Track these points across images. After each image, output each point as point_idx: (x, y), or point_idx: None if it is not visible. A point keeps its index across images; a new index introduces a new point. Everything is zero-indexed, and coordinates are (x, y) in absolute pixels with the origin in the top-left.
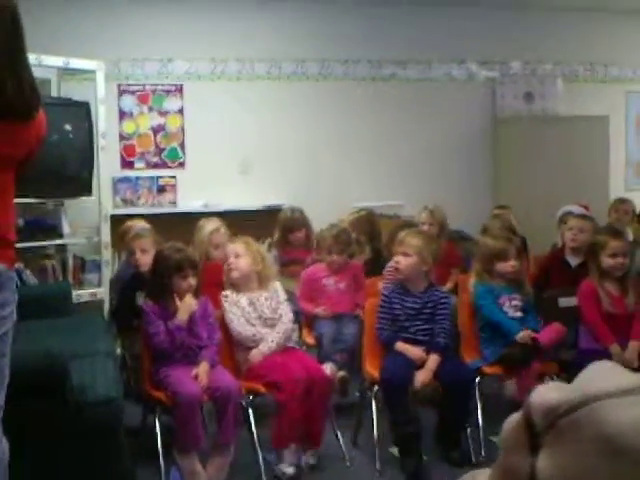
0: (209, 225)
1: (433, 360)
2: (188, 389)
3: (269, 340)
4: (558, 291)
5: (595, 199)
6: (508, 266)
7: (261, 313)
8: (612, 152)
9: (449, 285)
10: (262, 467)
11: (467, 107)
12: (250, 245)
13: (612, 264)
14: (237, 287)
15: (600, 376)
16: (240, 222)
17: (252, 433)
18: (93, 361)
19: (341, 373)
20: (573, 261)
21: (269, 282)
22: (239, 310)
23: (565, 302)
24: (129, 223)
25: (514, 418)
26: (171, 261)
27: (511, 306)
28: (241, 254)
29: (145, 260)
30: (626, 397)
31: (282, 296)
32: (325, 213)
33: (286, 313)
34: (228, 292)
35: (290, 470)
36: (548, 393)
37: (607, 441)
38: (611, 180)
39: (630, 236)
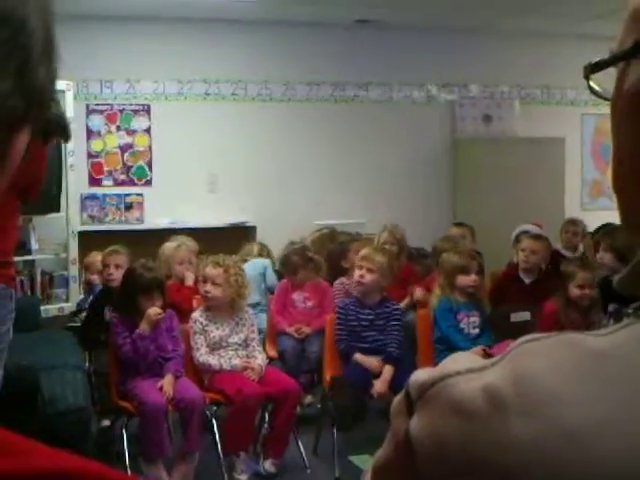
0: (173, 242)
1: (387, 370)
2: (154, 400)
3: (259, 360)
4: (510, 306)
5: (551, 218)
6: (470, 280)
7: (228, 341)
8: (568, 173)
9: (407, 301)
10: (225, 473)
11: (427, 128)
12: (229, 272)
13: (579, 294)
14: (209, 310)
15: (457, 361)
16: (207, 239)
17: (215, 441)
18: (62, 373)
19: (308, 399)
20: (527, 278)
21: (241, 309)
22: (205, 339)
23: (516, 317)
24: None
25: (400, 394)
26: (140, 281)
27: (469, 323)
28: (219, 283)
29: (118, 276)
30: (469, 374)
31: (254, 331)
32: (289, 230)
33: (260, 352)
34: (197, 316)
35: (243, 477)
36: (421, 374)
37: (453, 405)
38: (566, 200)
39: (580, 250)
